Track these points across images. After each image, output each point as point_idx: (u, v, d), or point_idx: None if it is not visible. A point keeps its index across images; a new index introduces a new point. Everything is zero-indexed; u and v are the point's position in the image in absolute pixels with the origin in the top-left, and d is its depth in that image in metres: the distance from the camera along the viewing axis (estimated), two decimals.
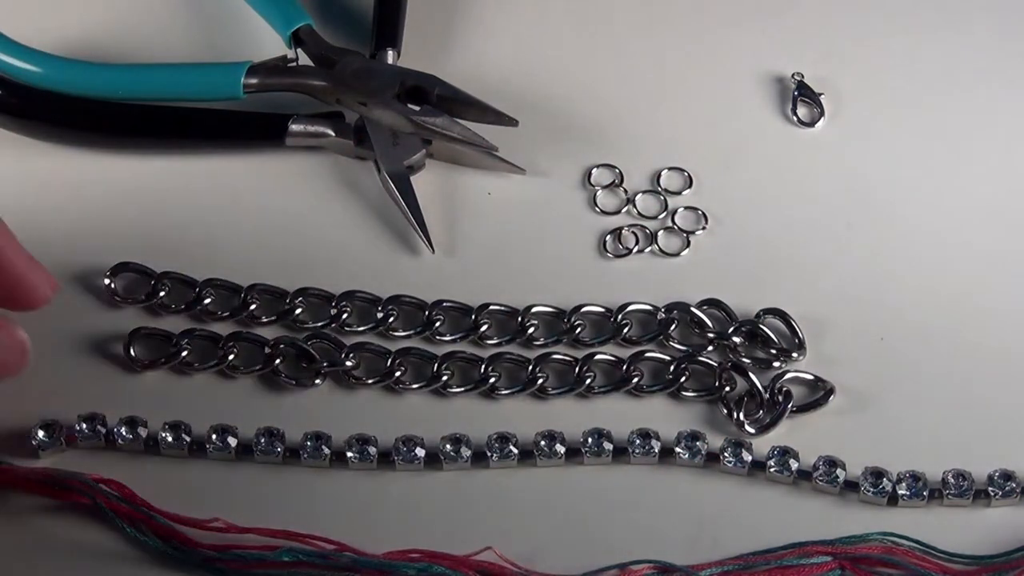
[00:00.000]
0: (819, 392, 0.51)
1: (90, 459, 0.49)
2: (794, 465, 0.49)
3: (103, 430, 0.49)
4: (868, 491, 0.48)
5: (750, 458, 0.49)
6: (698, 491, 0.49)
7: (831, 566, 0.46)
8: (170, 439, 0.49)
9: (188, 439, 0.49)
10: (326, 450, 0.49)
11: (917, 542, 0.47)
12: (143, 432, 0.49)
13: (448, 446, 0.49)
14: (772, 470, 0.49)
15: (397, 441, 0.49)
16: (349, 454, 0.49)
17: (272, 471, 0.49)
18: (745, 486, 0.49)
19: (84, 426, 0.49)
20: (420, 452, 0.49)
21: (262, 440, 0.49)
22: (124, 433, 0.49)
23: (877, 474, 0.48)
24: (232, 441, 0.49)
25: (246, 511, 0.47)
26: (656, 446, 0.49)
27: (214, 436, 0.49)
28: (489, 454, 0.49)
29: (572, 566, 0.46)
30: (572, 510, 0.48)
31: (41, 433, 0.48)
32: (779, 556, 0.47)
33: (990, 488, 0.48)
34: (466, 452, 0.49)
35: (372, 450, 0.49)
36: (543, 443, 0.49)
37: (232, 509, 0.47)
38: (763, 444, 0.49)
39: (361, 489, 0.49)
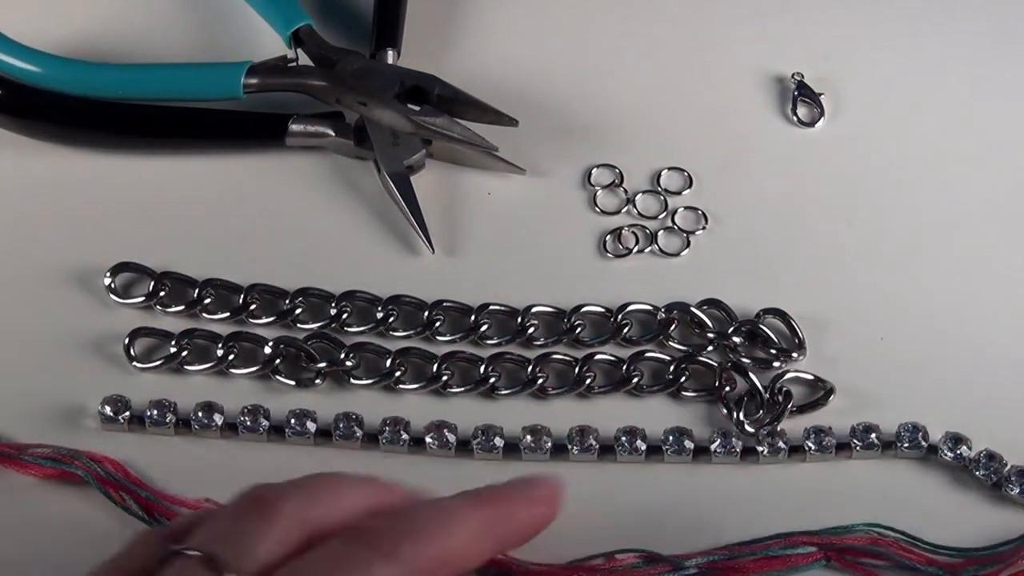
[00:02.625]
0: (819, 392, 0.51)
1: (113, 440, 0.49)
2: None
3: (172, 417, 0.49)
4: None
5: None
6: (711, 486, 0.49)
7: (816, 556, 0.46)
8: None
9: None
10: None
11: (903, 533, 0.47)
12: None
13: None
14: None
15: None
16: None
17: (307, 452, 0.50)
18: (744, 481, 0.49)
19: (155, 412, 0.49)
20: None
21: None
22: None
23: None
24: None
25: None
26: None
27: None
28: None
29: (562, 557, 0.47)
30: (569, 506, 0.48)
31: (108, 408, 0.49)
32: (765, 546, 0.47)
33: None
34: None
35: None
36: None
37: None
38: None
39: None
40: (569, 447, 0.49)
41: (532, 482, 0.42)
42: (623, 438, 0.49)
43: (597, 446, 0.49)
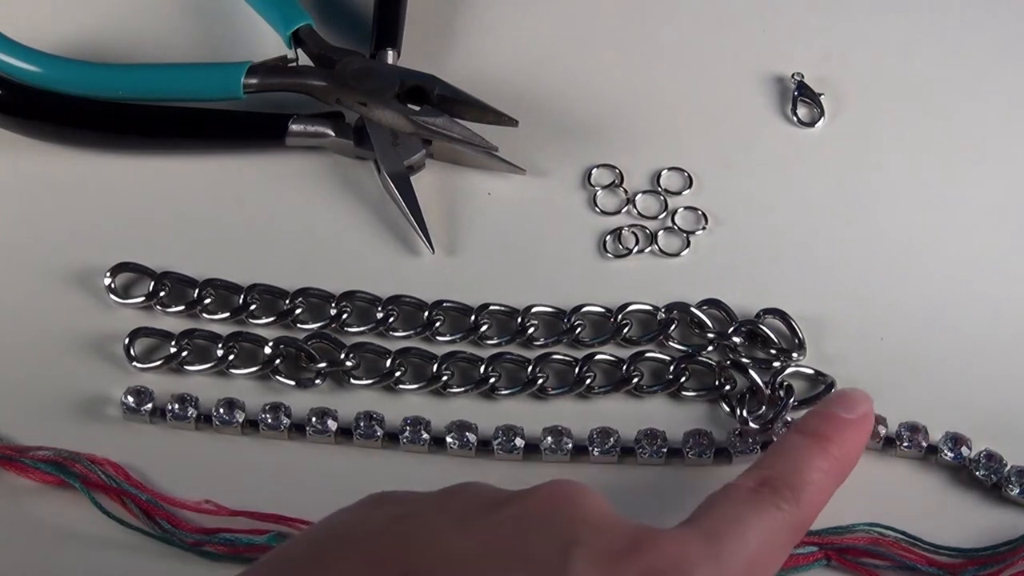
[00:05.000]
0: (820, 386, 0.51)
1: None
2: None
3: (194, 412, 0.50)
4: None
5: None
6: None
7: (816, 556, 0.46)
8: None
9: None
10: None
11: (903, 533, 0.47)
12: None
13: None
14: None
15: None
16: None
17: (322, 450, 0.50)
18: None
19: (176, 406, 0.49)
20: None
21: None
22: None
23: None
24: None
25: (250, 490, 0.48)
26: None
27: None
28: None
29: None
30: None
31: (130, 399, 0.49)
32: None
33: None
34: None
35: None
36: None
37: (238, 488, 0.48)
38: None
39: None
40: (590, 449, 0.49)
41: (849, 399, 0.45)
42: (643, 440, 0.49)
43: (618, 448, 0.49)
